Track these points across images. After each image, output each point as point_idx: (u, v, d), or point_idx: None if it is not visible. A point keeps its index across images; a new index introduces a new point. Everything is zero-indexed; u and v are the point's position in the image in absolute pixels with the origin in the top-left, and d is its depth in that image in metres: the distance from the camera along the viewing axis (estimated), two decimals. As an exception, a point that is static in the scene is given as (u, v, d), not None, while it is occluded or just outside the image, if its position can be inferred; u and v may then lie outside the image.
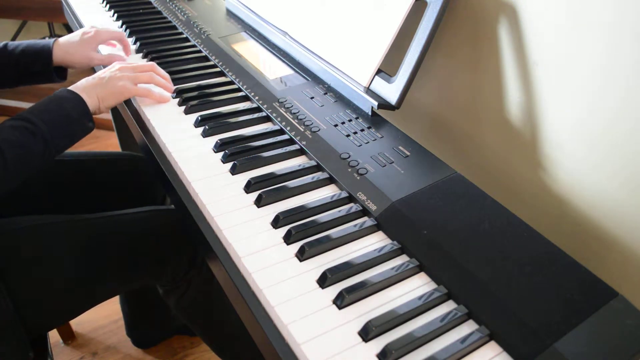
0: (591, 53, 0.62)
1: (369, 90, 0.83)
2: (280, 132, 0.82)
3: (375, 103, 0.80)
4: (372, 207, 0.66)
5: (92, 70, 1.02)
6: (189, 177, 0.72)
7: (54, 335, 1.38)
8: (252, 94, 0.90)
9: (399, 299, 0.56)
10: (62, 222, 0.87)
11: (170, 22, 1.18)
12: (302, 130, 0.80)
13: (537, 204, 0.75)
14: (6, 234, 0.82)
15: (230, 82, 0.95)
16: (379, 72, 0.83)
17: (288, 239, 0.63)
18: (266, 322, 0.55)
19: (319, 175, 0.73)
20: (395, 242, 0.62)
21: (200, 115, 0.84)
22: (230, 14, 1.19)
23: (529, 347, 0.49)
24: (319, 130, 0.79)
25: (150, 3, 1.29)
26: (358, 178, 0.70)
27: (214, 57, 1.02)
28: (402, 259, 0.61)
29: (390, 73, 0.81)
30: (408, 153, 0.73)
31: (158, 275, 0.95)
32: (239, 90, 0.93)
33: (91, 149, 2.14)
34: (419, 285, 0.58)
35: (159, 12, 1.23)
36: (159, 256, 0.93)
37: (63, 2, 1.34)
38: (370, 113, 0.82)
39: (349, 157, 0.73)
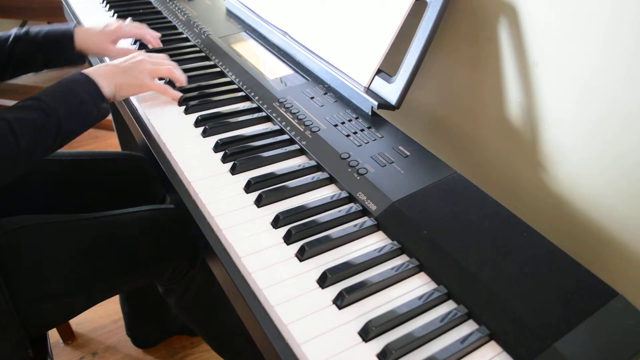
0: (591, 53, 0.62)
1: (369, 90, 0.83)
2: (280, 132, 0.82)
3: (375, 103, 0.80)
4: (372, 207, 0.66)
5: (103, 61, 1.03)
6: (189, 177, 0.72)
7: (54, 335, 1.38)
8: (252, 94, 0.90)
9: (399, 299, 0.56)
10: (62, 222, 0.87)
11: (170, 22, 1.18)
12: (302, 130, 0.80)
13: (537, 204, 0.75)
14: (6, 234, 0.82)
15: (230, 82, 0.95)
16: (379, 72, 0.83)
17: (288, 239, 0.63)
18: (266, 322, 0.55)
19: (319, 175, 0.73)
20: (395, 242, 0.62)
21: (200, 115, 0.84)
22: (230, 14, 1.19)
23: (529, 347, 0.49)
24: (319, 130, 0.79)
25: (150, 3, 1.29)
26: (358, 178, 0.70)
27: (214, 57, 1.02)
28: (402, 259, 0.61)
29: (390, 73, 0.81)
30: (408, 153, 0.73)
31: (158, 275, 0.95)
32: (239, 90, 0.93)
33: (91, 149, 2.14)
34: (419, 285, 0.58)
35: (159, 12, 1.23)
36: (159, 256, 0.93)
37: (63, 2, 1.34)
38: (370, 113, 0.82)
39: (349, 157, 0.73)
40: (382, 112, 0.82)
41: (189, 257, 0.96)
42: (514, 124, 0.75)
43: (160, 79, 0.91)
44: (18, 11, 2.16)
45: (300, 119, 0.82)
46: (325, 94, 0.87)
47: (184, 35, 1.12)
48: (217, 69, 0.99)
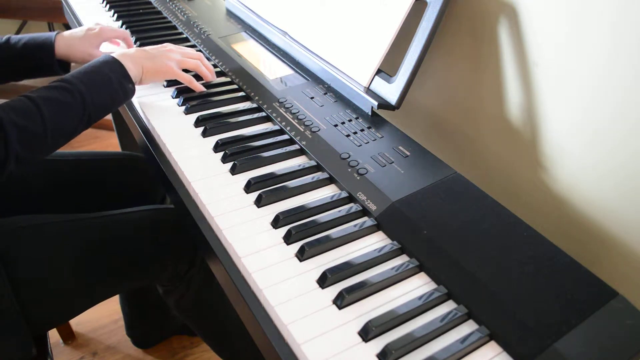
0: (591, 53, 0.62)
1: (369, 90, 0.83)
2: (280, 132, 0.82)
3: (375, 103, 0.80)
4: (372, 207, 0.66)
5: None
6: (189, 177, 0.72)
7: (54, 335, 1.38)
8: (252, 94, 0.90)
9: (399, 299, 0.56)
10: (62, 222, 0.87)
11: (170, 22, 1.18)
12: (302, 130, 0.80)
13: (537, 204, 0.75)
14: (7, 234, 0.82)
15: (230, 82, 0.95)
16: (379, 72, 0.83)
17: (288, 239, 0.63)
18: (266, 322, 0.55)
19: (319, 175, 0.73)
20: (395, 242, 0.62)
21: (200, 115, 0.84)
22: (230, 14, 1.19)
23: (529, 347, 0.49)
24: (319, 130, 0.79)
25: (150, 3, 1.29)
26: (358, 178, 0.70)
27: (214, 57, 1.02)
28: (402, 259, 0.61)
29: (390, 73, 0.81)
30: (408, 153, 0.73)
31: (158, 275, 0.95)
32: (239, 90, 0.93)
33: (91, 149, 2.14)
34: (419, 285, 0.58)
35: (159, 12, 1.23)
36: (159, 256, 0.93)
37: (63, 2, 1.34)
38: (370, 113, 0.82)
39: (349, 157, 0.73)
40: (382, 112, 0.82)
41: (189, 257, 0.96)
42: (514, 124, 0.75)
43: (187, 71, 0.92)
44: (18, 11, 2.16)
45: (300, 119, 0.82)
46: (325, 94, 0.87)
47: (184, 35, 1.12)
48: (217, 69, 0.98)
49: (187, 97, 0.89)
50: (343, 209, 0.67)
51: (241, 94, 0.91)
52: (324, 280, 0.57)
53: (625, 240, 0.65)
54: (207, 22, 1.15)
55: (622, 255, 0.66)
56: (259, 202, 0.68)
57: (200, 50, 1.05)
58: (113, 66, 0.80)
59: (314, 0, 0.96)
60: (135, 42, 1.08)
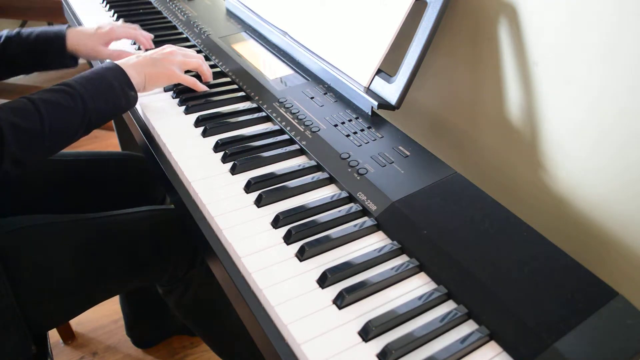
0: (591, 53, 0.62)
1: (369, 90, 0.83)
2: (280, 132, 0.82)
3: (375, 103, 0.80)
4: (372, 207, 0.66)
5: (90, 65, 1.03)
6: (189, 177, 0.72)
7: (54, 335, 1.38)
8: (252, 94, 0.90)
9: (399, 299, 0.56)
10: (62, 222, 0.87)
11: (170, 22, 1.18)
12: (302, 130, 0.80)
13: (536, 204, 0.75)
14: (7, 234, 0.82)
15: (231, 82, 0.95)
16: (379, 72, 0.83)
17: (288, 239, 0.63)
18: (266, 322, 0.55)
19: (319, 175, 0.73)
20: (395, 242, 0.62)
21: (200, 115, 0.84)
22: (230, 14, 1.19)
23: (529, 347, 0.49)
24: (319, 130, 0.79)
25: (150, 3, 1.29)
26: (358, 178, 0.70)
27: (214, 57, 1.02)
28: (402, 259, 0.61)
29: (390, 73, 0.81)
30: (408, 153, 0.73)
31: (158, 276, 0.95)
32: (239, 90, 0.93)
33: (91, 149, 2.14)
34: (419, 285, 0.58)
35: (159, 12, 1.23)
36: (159, 256, 0.92)
37: (63, 2, 1.34)
38: (370, 113, 0.82)
39: (349, 157, 0.73)
40: (382, 112, 0.82)
41: (189, 257, 0.96)
42: (514, 124, 0.75)
43: (188, 71, 0.92)
44: (18, 11, 2.16)
45: (300, 119, 0.82)
46: (325, 94, 0.87)
47: (184, 35, 1.12)
48: (217, 69, 0.98)
49: (187, 97, 0.89)
50: (343, 209, 0.67)
51: (241, 94, 0.91)
52: (324, 280, 0.57)
53: (625, 240, 0.65)
54: (207, 22, 1.15)
55: (622, 255, 0.66)
56: (259, 202, 0.68)
57: (200, 51, 1.05)
58: (116, 73, 0.81)
59: (314, 0, 0.96)
60: (135, 43, 1.08)
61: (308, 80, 0.91)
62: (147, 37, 1.05)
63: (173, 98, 0.91)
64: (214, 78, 0.97)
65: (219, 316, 1.07)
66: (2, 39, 0.95)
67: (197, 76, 0.93)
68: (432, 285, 0.58)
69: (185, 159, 0.76)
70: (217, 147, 0.78)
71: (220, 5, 1.23)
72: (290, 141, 0.80)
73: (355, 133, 0.78)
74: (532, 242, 0.59)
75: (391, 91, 0.80)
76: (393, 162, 0.71)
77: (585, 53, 0.63)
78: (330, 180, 0.73)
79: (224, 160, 0.76)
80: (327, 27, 0.93)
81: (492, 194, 0.65)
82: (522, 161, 0.76)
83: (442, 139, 0.88)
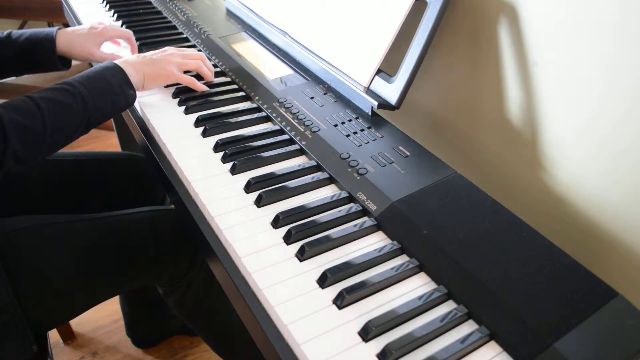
0: (591, 53, 0.62)
1: (369, 90, 0.83)
2: (280, 132, 0.82)
3: (375, 103, 0.80)
4: (372, 207, 0.66)
5: (90, 66, 1.02)
6: (189, 177, 0.72)
7: (54, 335, 1.38)
8: (252, 94, 0.90)
9: (399, 299, 0.56)
10: (62, 222, 0.87)
11: (170, 22, 1.18)
12: (302, 130, 0.80)
13: (536, 204, 0.75)
14: (6, 234, 0.82)
15: (230, 82, 0.95)
16: (379, 72, 0.83)
17: (288, 239, 0.63)
18: (266, 322, 0.55)
19: (319, 175, 0.73)
20: (395, 242, 0.62)
21: (200, 115, 0.84)
22: (230, 14, 1.19)
23: (529, 347, 0.49)
24: (319, 130, 0.79)
25: (150, 3, 1.29)
26: (358, 178, 0.70)
27: (214, 57, 1.02)
28: (402, 259, 0.61)
29: (390, 73, 0.81)
30: (408, 153, 0.73)
31: (158, 275, 0.95)
32: (239, 90, 0.93)
33: (91, 149, 2.14)
34: (419, 285, 0.58)
35: (159, 12, 1.23)
36: (159, 256, 0.92)
37: (63, 2, 1.34)
38: (370, 113, 0.82)
39: (349, 157, 0.73)
40: (382, 112, 0.82)
41: (189, 257, 0.96)
42: (514, 124, 0.75)
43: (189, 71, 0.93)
44: (18, 11, 2.16)
45: (300, 119, 0.82)
46: (325, 94, 0.87)
47: (184, 35, 1.12)
48: (217, 69, 0.99)
49: (187, 97, 0.89)
50: (343, 209, 0.67)
51: (241, 94, 0.91)
52: (324, 280, 0.57)
53: (625, 240, 0.65)
54: (207, 22, 1.15)
55: (622, 255, 0.66)
56: (259, 202, 0.68)
57: (200, 50, 1.05)
58: (115, 72, 0.81)
59: (314, 0, 0.96)
60: (135, 42, 1.08)
61: (308, 80, 0.91)
62: (135, 43, 1.06)
63: (173, 98, 0.91)
64: (214, 78, 0.97)
65: (219, 316, 1.07)
66: None
67: (199, 76, 0.93)
68: (432, 285, 0.58)
69: (185, 159, 0.76)
70: (217, 147, 0.78)
71: (220, 5, 1.23)
72: (290, 141, 0.80)
73: (355, 133, 0.78)
74: (532, 242, 0.59)
75: (391, 91, 0.80)
76: (393, 162, 0.71)
77: (585, 53, 0.63)
78: (330, 180, 0.73)
79: (224, 160, 0.76)
80: (327, 27, 0.93)
81: (492, 194, 0.65)
82: (522, 161, 0.76)
83: (442, 139, 0.88)
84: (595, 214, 0.68)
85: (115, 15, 1.22)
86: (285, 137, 0.80)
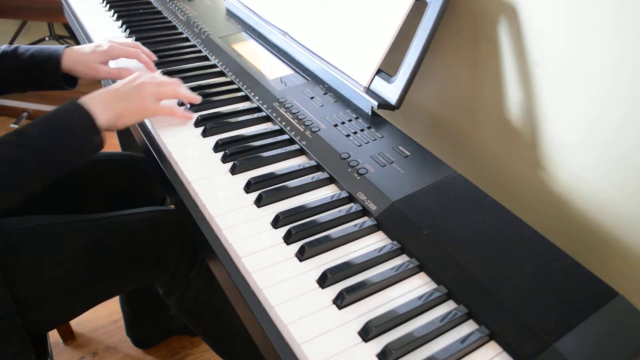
0: (591, 53, 0.62)
1: (369, 90, 0.83)
2: (280, 132, 0.82)
3: (375, 103, 0.80)
4: (372, 207, 0.66)
5: (99, 83, 0.99)
6: (189, 177, 0.72)
7: (54, 335, 1.38)
8: (252, 94, 0.90)
9: (399, 299, 0.56)
10: (62, 222, 0.87)
11: (170, 22, 1.18)
12: (302, 130, 0.80)
13: (536, 204, 0.75)
14: (6, 235, 0.82)
15: (230, 82, 0.95)
16: (379, 72, 0.83)
17: (288, 239, 0.63)
18: (266, 322, 0.55)
19: (319, 175, 0.73)
20: (395, 242, 0.62)
21: (200, 115, 0.84)
22: (230, 14, 1.19)
23: (529, 347, 0.49)
24: (319, 130, 0.79)
25: (150, 3, 1.29)
26: (358, 178, 0.70)
27: (214, 57, 1.02)
28: (402, 259, 0.61)
29: (390, 73, 0.81)
30: (408, 153, 0.73)
31: (158, 276, 0.95)
32: (239, 90, 0.93)
33: (91, 149, 2.13)
34: (419, 285, 0.58)
35: (159, 12, 1.23)
36: (159, 256, 0.92)
37: (63, 2, 1.34)
38: (370, 113, 0.82)
39: (349, 157, 0.73)
40: (382, 112, 0.82)
41: (189, 258, 0.96)
42: (514, 124, 0.75)
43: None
44: (18, 11, 2.16)
45: (300, 119, 0.82)
46: (325, 94, 0.87)
47: (184, 35, 1.12)
48: (217, 69, 0.99)
49: (187, 97, 0.89)
50: (343, 209, 0.67)
51: (241, 94, 0.91)
52: (324, 280, 0.57)
53: (625, 240, 0.65)
54: (207, 22, 1.15)
55: (622, 255, 0.66)
56: (259, 202, 0.68)
57: (200, 50, 1.05)
58: (80, 117, 0.73)
59: (314, 0, 0.96)
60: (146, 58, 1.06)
61: (308, 80, 0.91)
62: (149, 54, 0.99)
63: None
64: (214, 78, 0.97)
65: (219, 316, 1.07)
66: None
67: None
68: (432, 285, 0.58)
69: (185, 159, 0.76)
70: (217, 147, 0.78)
71: (220, 5, 1.23)
72: (290, 141, 0.80)
73: (355, 133, 0.78)
74: (532, 242, 0.59)
75: (391, 91, 0.80)
76: (393, 162, 0.71)
77: (585, 53, 0.63)
78: (330, 180, 0.73)
79: (224, 160, 0.76)
80: (327, 27, 0.93)
81: (492, 194, 0.65)
82: (522, 161, 0.76)
83: (442, 139, 0.88)
84: (595, 214, 0.68)
85: (115, 15, 1.22)
86: (285, 137, 0.80)
